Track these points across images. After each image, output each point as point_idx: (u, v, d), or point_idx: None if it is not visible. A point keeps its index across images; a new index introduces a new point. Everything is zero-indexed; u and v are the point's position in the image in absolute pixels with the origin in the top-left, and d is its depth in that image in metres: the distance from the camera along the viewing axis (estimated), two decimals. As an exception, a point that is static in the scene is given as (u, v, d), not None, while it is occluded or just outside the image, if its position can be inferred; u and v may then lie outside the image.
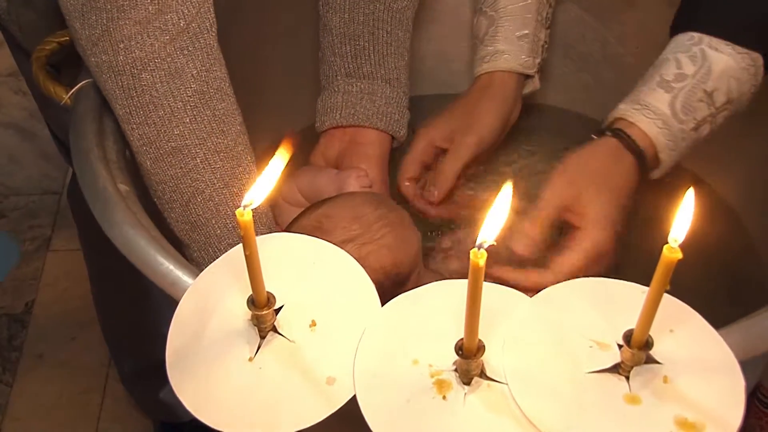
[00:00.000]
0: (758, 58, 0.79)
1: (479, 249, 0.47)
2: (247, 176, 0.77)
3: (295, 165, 0.92)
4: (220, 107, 0.75)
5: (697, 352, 0.55)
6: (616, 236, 0.81)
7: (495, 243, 0.48)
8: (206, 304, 0.58)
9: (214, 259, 0.76)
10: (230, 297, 0.58)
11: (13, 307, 1.73)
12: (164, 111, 0.72)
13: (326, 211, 0.82)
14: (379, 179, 0.91)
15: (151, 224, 0.69)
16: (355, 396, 0.54)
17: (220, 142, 0.75)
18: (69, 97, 0.78)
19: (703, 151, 0.87)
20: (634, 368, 0.54)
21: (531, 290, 0.79)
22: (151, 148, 0.74)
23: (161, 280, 0.64)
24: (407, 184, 0.95)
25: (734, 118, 0.84)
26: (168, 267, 0.64)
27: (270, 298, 0.56)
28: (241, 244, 0.52)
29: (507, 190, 0.50)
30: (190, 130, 0.73)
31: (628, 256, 0.85)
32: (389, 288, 0.80)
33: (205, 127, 0.74)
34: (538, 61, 0.96)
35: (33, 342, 1.66)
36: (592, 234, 0.79)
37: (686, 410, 0.52)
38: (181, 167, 0.74)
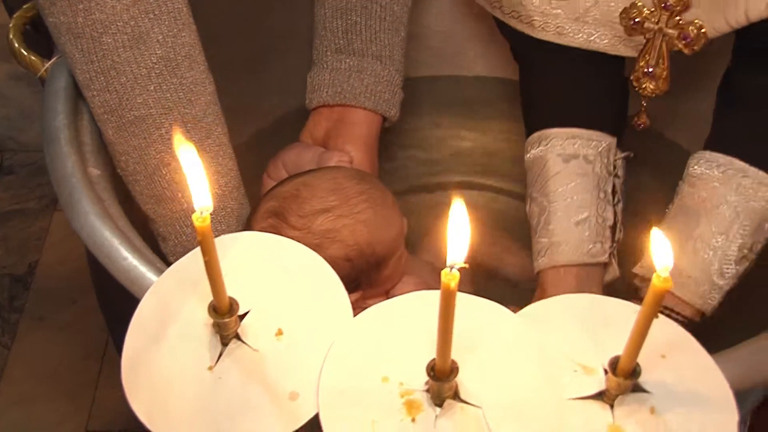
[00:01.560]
0: None
1: (451, 270, 0.43)
2: (217, 148, 0.74)
3: (285, 145, 0.88)
4: (188, 75, 0.71)
5: (689, 381, 0.51)
6: None
7: (467, 265, 0.44)
8: (168, 306, 0.55)
9: (181, 235, 0.74)
10: (193, 300, 0.55)
11: (16, 267, 1.71)
12: (127, 78, 0.68)
13: (306, 179, 0.79)
14: (366, 160, 0.87)
15: (120, 214, 0.65)
16: (317, 414, 0.50)
17: (187, 112, 0.71)
18: (45, 71, 0.74)
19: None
20: (620, 397, 0.50)
21: None
22: (113, 116, 0.70)
23: (123, 276, 0.60)
24: None
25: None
26: (131, 263, 0.60)
27: (233, 305, 0.52)
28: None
29: (458, 205, 0.45)
30: (154, 98, 0.70)
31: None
32: (364, 268, 0.77)
33: (171, 96, 0.70)
34: (608, 245, 0.83)
35: (34, 304, 1.64)
36: None
37: (672, 445, 0.49)
38: (144, 137, 0.71)
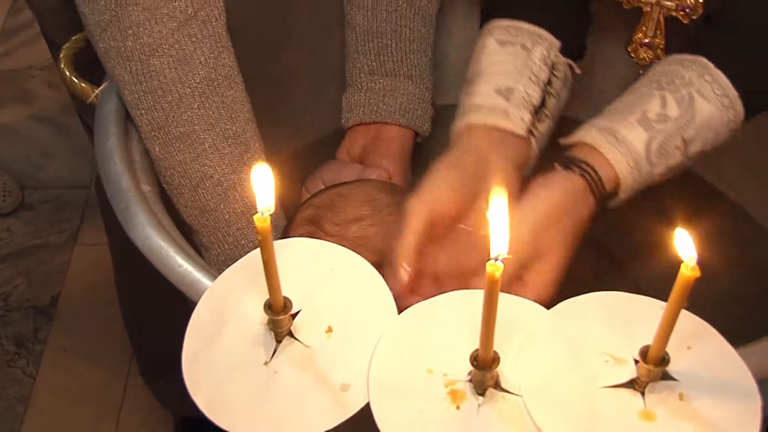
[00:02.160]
0: (740, 114, 0.75)
1: (495, 261, 0.47)
2: (255, 162, 0.78)
3: (322, 163, 0.93)
4: (228, 94, 0.76)
5: (715, 371, 0.55)
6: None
7: (510, 256, 0.48)
8: (223, 308, 0.59)
9: (223, 244, 0.78)
10: (247, 301, 0.59)
11: (39, 299, 1.75)
12: (173, 96, 0.73)
13: (341, 190, 0.84)
14: (401, 175, 0.91)
15: (172, 225, 0.70)
16: (368, 403, 0.54)
17: (228, 128, 0.76)
18: (95, 96, 0.79)
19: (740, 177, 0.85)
20: (650, 384, 0.54)
21: None
22: (159, 133, 0.75)
23: (179, 281, 0.64)
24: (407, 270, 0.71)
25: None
26: (186, 269, 0.64)
27: (287, 303, 0.56)
28: (259, 249, 0.53)
29: (498, 198, 0.49)
30: (198, 115, 0.75)
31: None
32: None
33: (214, 113, 0.75)
34: (527, 119, 0.79)
35: (57, 334, 1.68)
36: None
37: (701, 429, 0.52)
38: (189, 152, 0.75)
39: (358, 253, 0.78)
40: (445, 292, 0.62)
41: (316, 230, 0.80)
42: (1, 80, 2.27)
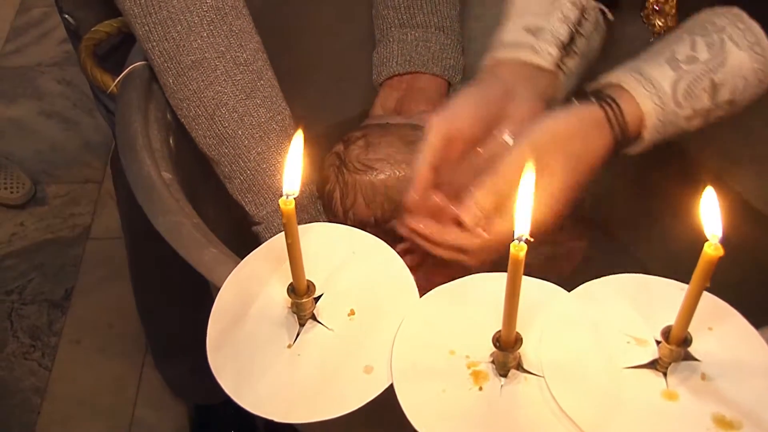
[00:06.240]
0: None
1: (518, 242, 0.48)
2: (270, 90, 0.79)
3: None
4: (236, 24, 0.77)
5: (736, 351, 0.55)
6: (575, 213, 0.76)
7: (532, 239, 0.48)
8: (247, 291, 0.59)
9: (246, 171, 0.80)
10: (271, 285, 0.59)
11: (53, 293, 1.76)
12: (182, 26, 0.75)
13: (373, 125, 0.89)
14: None
15: (193, 212, 0.70)
16: (392, 385, 0.54)
17: (239, 56, 0.77)
18: (115, 85, 0.79)
19: (732, 154, 0.86)
20: (672, 365, 0.54)
21: (452, 248, 0.73)
22: (172, 63, 0.76)
23: (203, 266, 0.64)
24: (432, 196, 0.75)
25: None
26: (209, 253, 0.65)
27: (310, 287, 0.56)
28: (282, 234, 0.53)
29: (529, 174, 0.49)
30: (208, 43, 0.76)
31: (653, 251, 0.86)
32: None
33: (223, 41, 0.76)
34: (555, 53, 0.79)
35: (71, 328, 1.69)
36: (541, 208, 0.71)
37: (723, 408, 0.52)
38: (202, 80, 0.76)
39: (376, 175, 0.83)
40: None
41: (344, 149, 0.84)
42: (12, 77, 2.28)
